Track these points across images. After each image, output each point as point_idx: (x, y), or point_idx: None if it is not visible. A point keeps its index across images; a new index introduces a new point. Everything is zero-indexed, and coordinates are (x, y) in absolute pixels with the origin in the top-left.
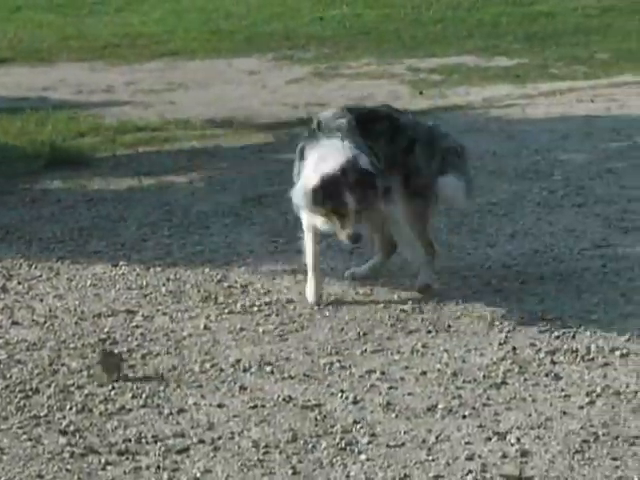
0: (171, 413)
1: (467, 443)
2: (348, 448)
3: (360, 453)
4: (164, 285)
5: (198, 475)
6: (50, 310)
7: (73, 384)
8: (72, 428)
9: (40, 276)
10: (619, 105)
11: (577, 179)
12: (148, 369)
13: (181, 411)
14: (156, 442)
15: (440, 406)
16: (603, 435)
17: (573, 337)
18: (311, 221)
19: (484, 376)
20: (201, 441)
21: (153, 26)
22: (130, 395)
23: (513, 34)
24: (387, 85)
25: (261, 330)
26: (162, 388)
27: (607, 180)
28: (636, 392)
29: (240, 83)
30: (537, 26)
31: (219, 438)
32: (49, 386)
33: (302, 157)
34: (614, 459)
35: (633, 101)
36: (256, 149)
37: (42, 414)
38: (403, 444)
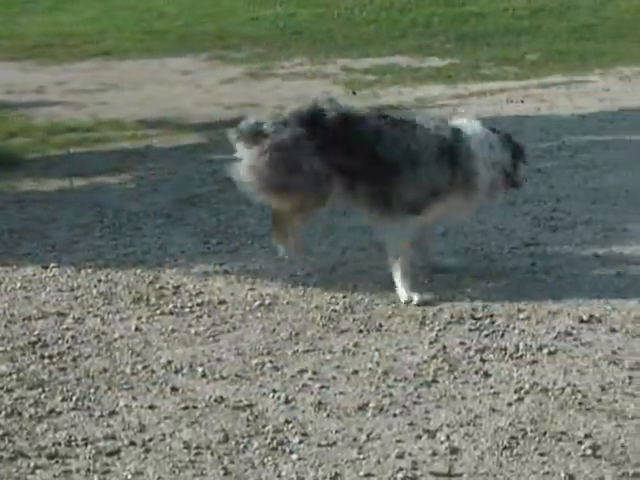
0: (102, 415)
1: (398, 441)
2: (279, 448)
3: (291, 453)
4: (95, 287)
5: (129, 477)
6: None
7: (2, 387)
8: (1, 432)
9: None
10: (548, 105)
11: None
12: (79, 371)
13: (112, 413)
14: (86, 445)
15: (371, 405)
16: (531, 431)
17: (502, 335)
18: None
19: (415, 375)
20: (132, 443)
21: (85, 25)
22: (60, 398)
23: (445, 34)
24: (320, 85)
25: (193, 331)
26: (93, 390)
27: (536, 180)
28: (563, 389)
29: (173, 83)
30: (468, 27)
31: (150, 440)
32: None
33: None
34: (542, 455)
35: (562, 102)
36: (189, 150)
37: None
38: (334, 443)
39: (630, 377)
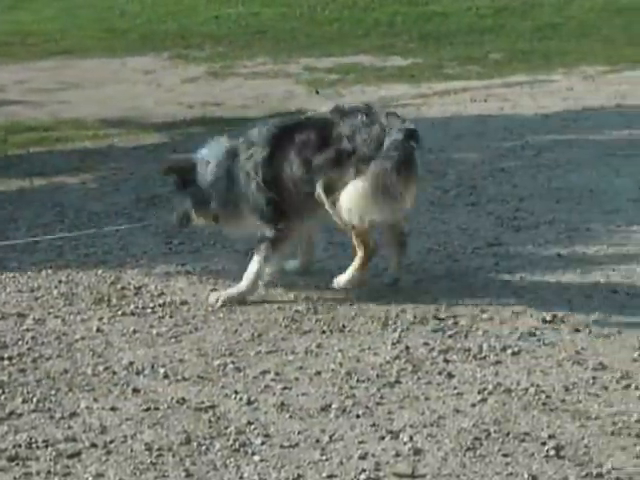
0: (63, 417)
1: (360, 442)
2: (242, 449)
3: (254, 454)
4: (56, 287)
5: (90, 479)
6: None
7: None
8: None
9: None
10: (512, 105)
11: (470, 178)
12: (39, 373)
13: (73, 415)
14: (47, 447)
15: (334, 406)
16: (494, 432)
17: (466, 336)
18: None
19: (378, 375)
20: (93, 445)
21: (45, 24)
22: (21, 400)
23: (408, 34)
24: (283, 84)
25: (155, 332)
26: (53, 392)
27: (499, 179)
28: (527, 389)
29: (134, 82)
30: (432, 26)
31: (111, 442)
32: None
33: None
34: (505, 456)
35: (525, 101)
36: (150, 149)
37: None
38: (297, 444)
39: (594, 377)
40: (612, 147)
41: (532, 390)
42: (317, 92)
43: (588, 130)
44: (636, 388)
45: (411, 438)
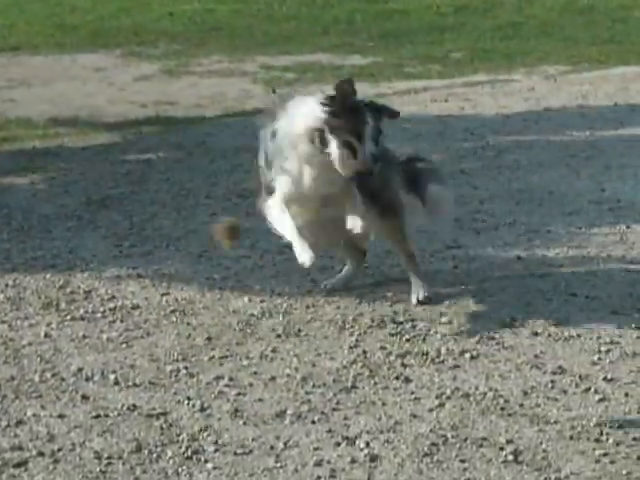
0: (9, 425)
1: (316, 449)
2: (194, 457)
3: (207, 462)
4: (2, 292)
5: None
6: None
7: None
8: None
9: None
10: (472, 105)
11: None
12: None
13: (19, 423)
14: None
15: (289, 412)
16: (452, 437)
17: (424, 340)
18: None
19: (334, 380)
20: (40, 453)
21: None
22: None
23: (368, 32)
24: (239, 83)
25: (105, 337)
26: None
27: (459, 180)
28: (485, 394)
29: (85, 80)
30: (391, 24)
31: (59, 450)
32: None
33: None
34: (462, 461)
35: (486, 101)
36: (101, 149)
37: None
38: (251, 451)
39: (552, 381)
40: (573, 148)
41: (490, 394)
42: (274, 91)
43: (549, 131)
44: (595, 392)
45: (367, 444)
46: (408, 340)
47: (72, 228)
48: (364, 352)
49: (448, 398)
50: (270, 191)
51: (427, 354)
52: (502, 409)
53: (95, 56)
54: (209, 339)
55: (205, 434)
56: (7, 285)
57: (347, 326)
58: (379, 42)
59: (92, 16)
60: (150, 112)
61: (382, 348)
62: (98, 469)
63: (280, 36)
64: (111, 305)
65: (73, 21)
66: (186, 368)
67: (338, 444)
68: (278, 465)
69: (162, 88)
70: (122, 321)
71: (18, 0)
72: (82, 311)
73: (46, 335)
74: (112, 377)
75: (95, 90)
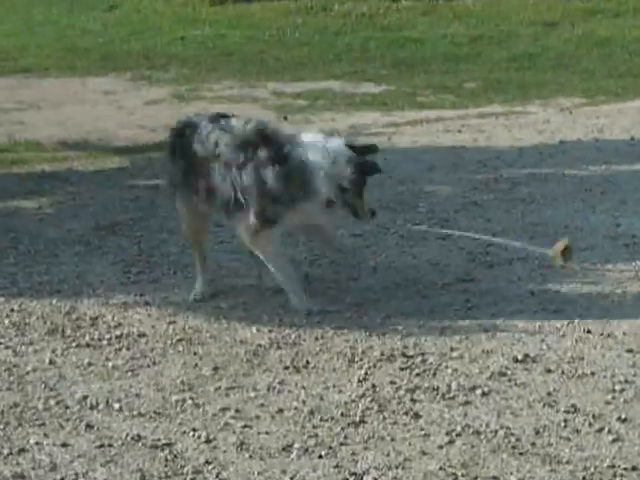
0: (11, 453)
1: None
2: None
3: None
4: (8, 316)
5: None
6: None
7: None
8: None
9: None
10: (486, 136)
11: (442, 211)
12: None
13: (22, 451)
14: None
15: (296, 445)
16: (462, 476)
17: (434, 374)
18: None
19: (342, 414)
20: None
21: (3, 40)
22: None
23: (381, 60)
24: (250, 109)
25: (110, 365)
26: (2, 426)
27: (472, 213)
28: (496, 431)
29: (95, 103)
30: (405, 52)
31: (62, 479)
32: None
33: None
34: None
35: (500, 133)
36: (110, 174)
37: None
38: None
39: (565, 420)
40: (589, 183)
41: (502, 432)
42: (285, 118)
43: (564, 164)
44: (609, 432)
45: None
46: (418, 374)
47: (80, 253)
48: (373, 386)
49: (458, 435)
50: (268, 220)
51: (437, 389)
52: (513, 447)
53: (105, 79)
54: (216, 369)
55: (210, 467)
56: (12, 310)
57: (356, 359)
58: (392, 70)
59: (103, 39)
60: (160, 137)
61: (391, 382)
62: None
63: (292, 62)
64: (117, 332)
65: (84, 44)
66: (192, 398)
67: None
68: None
69: (172, 113)
70: (128, 349)
71: (29, 22)
72: (88, 338)
73: (51, 361)
74: (117, 406)
75: (105, 114)
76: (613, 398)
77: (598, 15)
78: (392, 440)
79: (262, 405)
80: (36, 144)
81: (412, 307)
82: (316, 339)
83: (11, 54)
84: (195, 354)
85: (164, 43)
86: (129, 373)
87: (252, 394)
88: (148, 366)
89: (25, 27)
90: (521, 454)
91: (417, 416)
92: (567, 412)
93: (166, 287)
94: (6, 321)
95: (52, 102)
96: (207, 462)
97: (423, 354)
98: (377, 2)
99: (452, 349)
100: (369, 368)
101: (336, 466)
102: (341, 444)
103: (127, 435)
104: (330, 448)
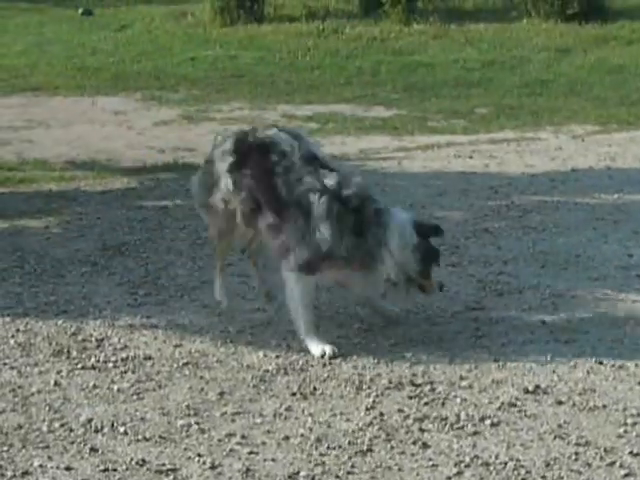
0: (14, 475)
1: None
2: None
3: None
4: (13, 337)
5: None
6: None
7: None
8: None
9: None
10: (498, 162)
11: (452, 238)
12: None
13: (25, 474)
14: None
15: (302, 473)
16: None
17: (443, 404)
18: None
19: (349, 442)
20: None
21: (14, 59)
22: None
23: (392, 84)
24: None
25: (116, 388)
26: (5, 448)
27: (483, 240)
28: (506, 463)
29: (104, 123)
30: (417, 77)
31: None
32: None
33: None
34: None
35: (512, 159)
36: (118, 194)
37: None
38: None
39: (576, 453)
40: (600, 211)
41: (511, 464)
42: None
43: (576, 192)
44: (621, 466)
45: None
46: (427, 404)
47: (86, 274)
48: (381, 414)
49: (467, 466)
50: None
51: (446, 419)
52: None
53: (115, 99)
54: (222, 394)
55: None
56: (18, 330)
57: (364, 386)
58: (403, 95)
59: (113, 59)
60: (168, 158)
61: (399, 411)
62: None
63: (303, 85)
64: (123, 355)
65: (94, 63)
66: (197, 423)
67: None
68: None
69: (181, 134)
70: (134, 372)
71: (40, 41)
72: (93, 360)
73: (56, 383)
74: (122, 429)
75: (114, 134)
76: (625, 432)
77: (611, 42)
78: (400, 470)
79: (268, 431)
80: (44, 163)
81: (421, 335)
82: (324, 365)
83: (21, 72)
84: (201, 378)
85: (174, 63)
86: (134, 396)
87: (258, 420)
88: (154, 390)
89: (36, 45)
90: None
91: (425, 446)
92: (578, 445)
93: (173, 310)
94: (11, 341)
95: (61, 121)
96: None
97: (432, 383)
98: (389, 26)
99: (461, 378)
100: (377, 396)
101: None
102: (348, 473)
103: (132, 459)
104: (337, 477)
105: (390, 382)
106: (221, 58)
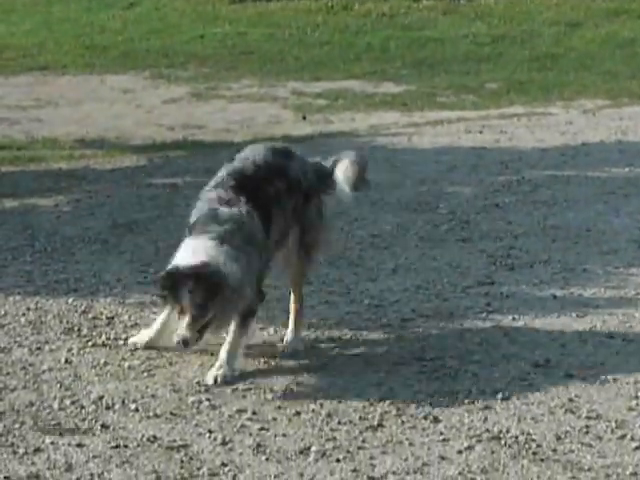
0: (26, 452)
1: None
2: None
3: None
4: (24, 315)
5: None
6: None
7: None
8: None
9: None
10: (508, 137)
11: (463, 213)
12: (3, 405)
13: (37, 450)
14: None
15: (313, 449)
16: None
17: (453, 379)
18: None
19: (360, 417)
20: None
21: (22, 38)
22: None
23: (401, 59)
24: (269, 108)
25: (126, 365)
26: (17, 426)
27: (493, 215)
28: (516, 437)
29: (113, 101)
30: (426, 52)
31: None
32: None
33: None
34: None
35: (522, 134)
36: (128, 172)
37: None
38: None
39: (587, 426)
40: (611, 185)
41: (522, 438)
42: (304, 118)
43: (587, 166)
44: (631, 439)
45: None
46: (437, 378)
47: (96, 252)
48: (391, 389)
49: (478, 440)
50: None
51: (457, 394)
52: (534, 454)
53: (124, 77)
54: (232, 370)
55: (226, 469)
56: (29, 308)
57: (374, 362)
58: (413, 70)
59: (122, 37)
60: (178, 135)
61: (410, 386)
62: None
63: (312, 62)
64: (134, 332)
65: (102, 42)
66: (208, 400)
67: None
68: None
69: (190, 111)
70: (144, 349)
71: (47, 20)
72: (104, 337)
73: (67, 361)
74: (133, 406)
75: (123, 112)
76: (636, 405)
77: (622, 16)
78: (410, 445)
79: (279, 407)
80: (53, 142)
81: (431, 310)
82: (334, 341)
83: (30, 51)
84: (212, 355)
85: (183, 41)
86: (145, 373)
87: (269, 396)
88: (164, 367)
89: (44, 24)
90: (542, 460)
91: (436, 420)
92: (589, 418)
93: None
94: (22, 320)
95: (70, 100)
96: (223, 464)
97: (442, 358)
98: (398, 1)
99: (472, 353)
100: (387, 372)
101: (354, 470)
102: (359, 448)
103: (143, 436)
104: (348, 452)
105: (401, 357)
106: (230, 35)
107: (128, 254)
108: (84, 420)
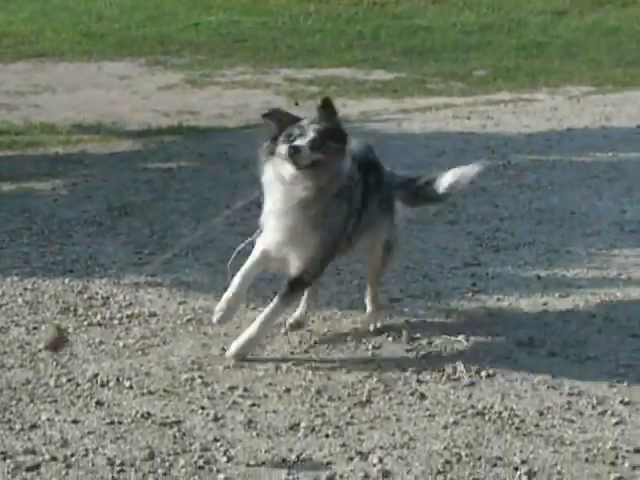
0: (22, 429)
1: (328, 463)
2: (206, 467)
3: (219, 472)
4: (21, 295)
5: None
6: None
7: None
8: None
9: None
10: (495, 123)
11: (450, 196)
12: (0, 382)
13: (33, 427)
14: (5, 459)
15: (303, 424)
16: (466, 456)
17: (440, 356)
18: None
19: (349, 394)
20: (53, 458)
21: (20, 25)
22: None
23: (392, 47)
24: (262, 95)
25: (121, 344)
26: (14, 402)
27: (480, 198)
28: (500, 413)
29: (110, 88)
30: (416, 40)
31: (72, 455)
32: None
33: None
34: None
35: (509, 119)
36: (124, 157)
37: None
38: (263, 463)
39: (569, 402)
40: (595, 169)
41: (506, 414)
42: (297, 104)
43: (571, 151)
44: (612, 415)
45: (380, 460)
46: (424, 356)
47: (92, 234)
48: (379, 367)
49: (463, 416)
50: None
51: (443, 371)
52: (517, 429)
53: (120, 64)
54: (224, 349)
55: (218, 444)
56: (26, 289)
57: (363, 340)
58: (403, 58)
59: (119, 24)
60: (173, 121)
61: (398, 363)
62: (110, 476)
63: (304, 49)
64: (128, 312)
65: (99, 29)
66: (201, 377)
67: (351, 459)
68: (290, 478)
69: (185, 98)
70: (139, 328)
71: (45, 7)
72: (99, 317)
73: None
74: (127, 384)
75: (119, 98)
76: (617, 382)
77: (607, 5)
78: (398, 420)
79: (270, 384)
80: (51, 127)
81: (419, 290)
82: (324, 320)
83: (27, 38)
84: (205, 334)
85: (178, 29)
86: (139, 352)
87: (260, 373)
88: (158, 345)
89: (41, 12)
90: (525, 435)
91: (423, 397)
92: (571, 395)
93: (177, 268)
94: (19, 300)
95: (67, 86)
96: (215, 440)
97: (429, 336)
98: None
99: (458, 332)
100: (375, 349)
101: (342, 445)
102: (347, 423)
103: (137, 412)
104: (337, 427)
105: (388, 336)
106: (224, 23)
107: (123, 236)
108: (79, 397)
